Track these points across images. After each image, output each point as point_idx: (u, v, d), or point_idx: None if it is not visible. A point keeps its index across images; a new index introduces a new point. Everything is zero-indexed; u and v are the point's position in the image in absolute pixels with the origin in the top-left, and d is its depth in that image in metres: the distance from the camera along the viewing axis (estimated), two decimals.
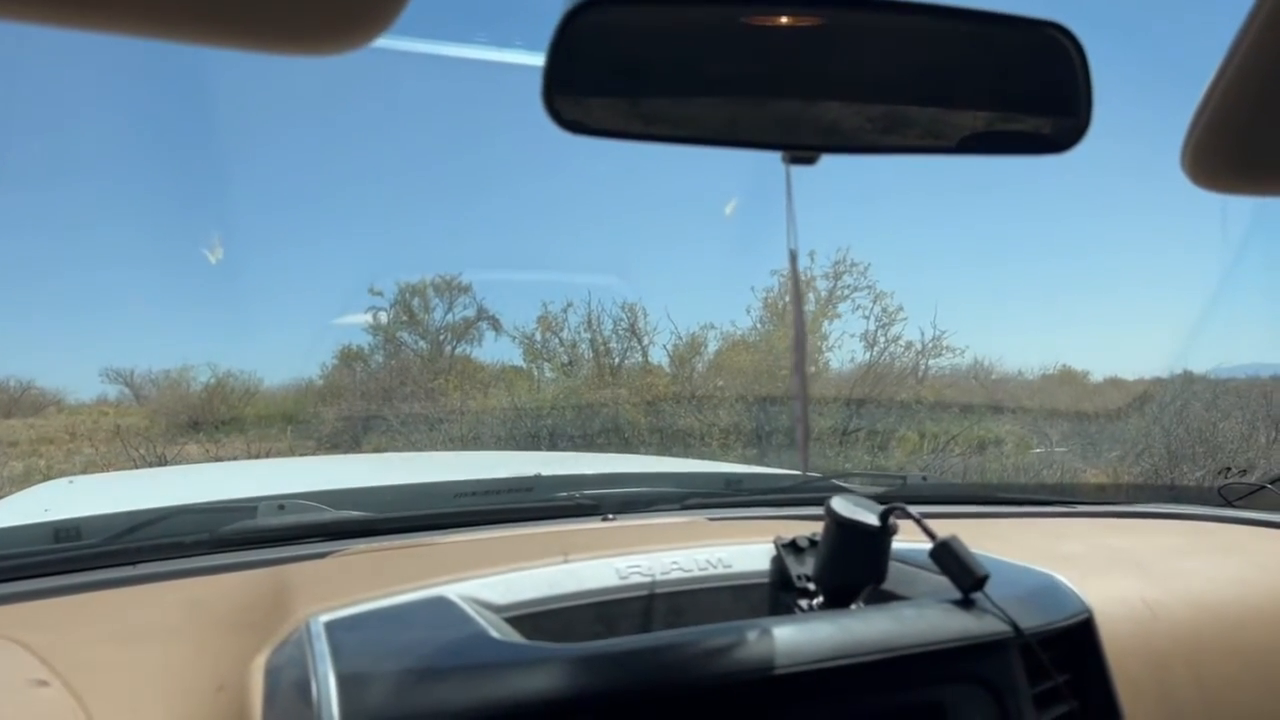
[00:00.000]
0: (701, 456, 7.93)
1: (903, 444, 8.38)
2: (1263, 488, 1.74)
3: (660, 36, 0.72)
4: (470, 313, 11.29)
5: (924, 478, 2.08)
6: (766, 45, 0.74)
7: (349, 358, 11.33)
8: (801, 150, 0.77)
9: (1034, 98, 0.78)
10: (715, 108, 0.74)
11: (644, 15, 0.71)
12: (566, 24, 0.68)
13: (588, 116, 0.71)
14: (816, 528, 1.06)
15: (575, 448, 8.43)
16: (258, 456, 8.69)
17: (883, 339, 9.30)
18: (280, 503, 1.44)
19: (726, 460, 7.71)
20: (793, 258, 0.77)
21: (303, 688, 0.81)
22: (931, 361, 9.29)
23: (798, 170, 0.80)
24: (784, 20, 0.74)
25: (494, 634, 0.86)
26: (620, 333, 9.74)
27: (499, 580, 0.96)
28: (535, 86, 0.70)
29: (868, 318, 9.36)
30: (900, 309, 9.33)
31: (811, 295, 9.03)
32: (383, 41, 0.61)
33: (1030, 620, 0.97)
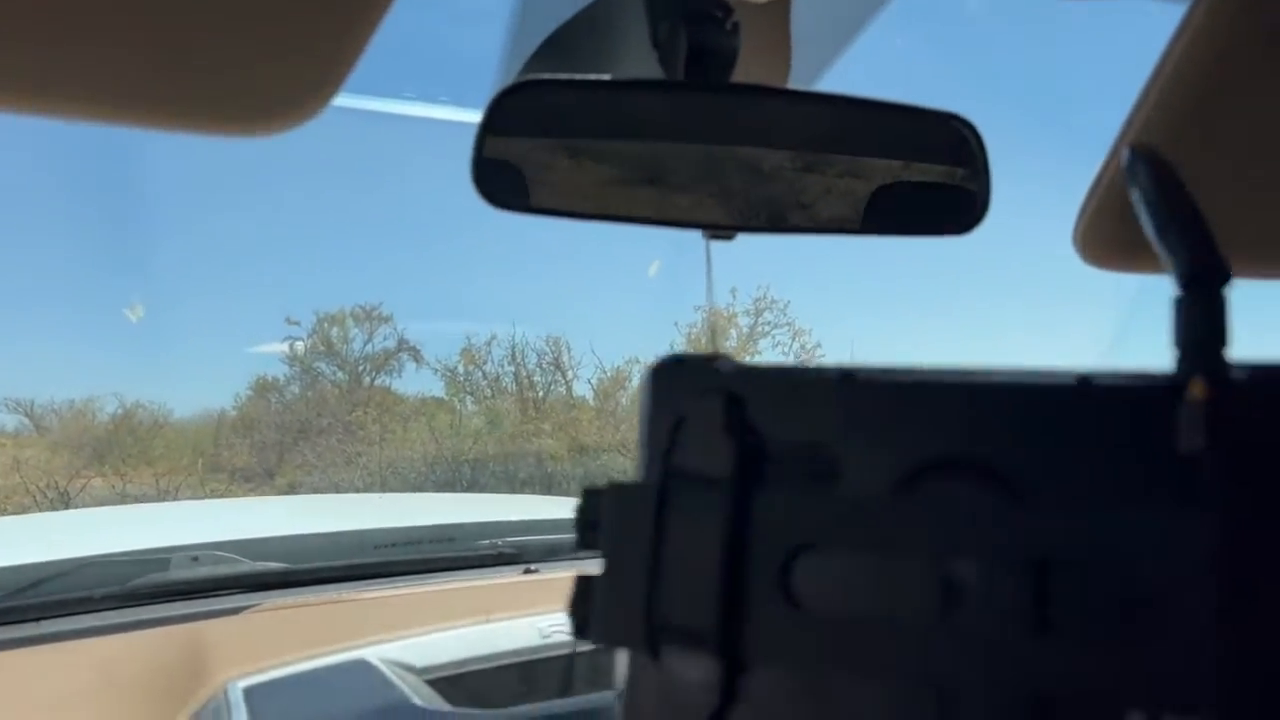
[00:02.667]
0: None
1: None
2: None
3: (584, 122, 0.75)
4: (391, 344, 11.12)
5: None
6: (686, 130, 0.78)
7: (264, 388, 11.02)
8: (720, 229, 0.81)
9: (938, 183, 0.83)
10: (637, 189, 0.77)
11: (568, 101, 0.74)
12: (494, 108, 0.71)
13: (515, 196, 0.73)
14: None
15: (497, 481, 8.35)
16: (167, 490, 8.38)
17: None
18: (194, 554, 1.41)
19: None
20: (713, 332, 0.80)
21: None
22: None
23: None
24: (703, 107, 0.78)
25: (415, 700, 0.86)
26: (545, 366, 9.72)
27: (421, 642, 0.97)
28: (461, 139, 0.72)
29: (787, 354, 9.50)
30: (818, 345, 9.50)
31: (734, 331, 9.15)
32: None
33: None
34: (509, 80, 0.76)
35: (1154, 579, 0.21)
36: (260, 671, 0.91)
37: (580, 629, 0.26)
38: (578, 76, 0.73)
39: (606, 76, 0.74)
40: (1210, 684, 0.20)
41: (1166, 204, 0.24)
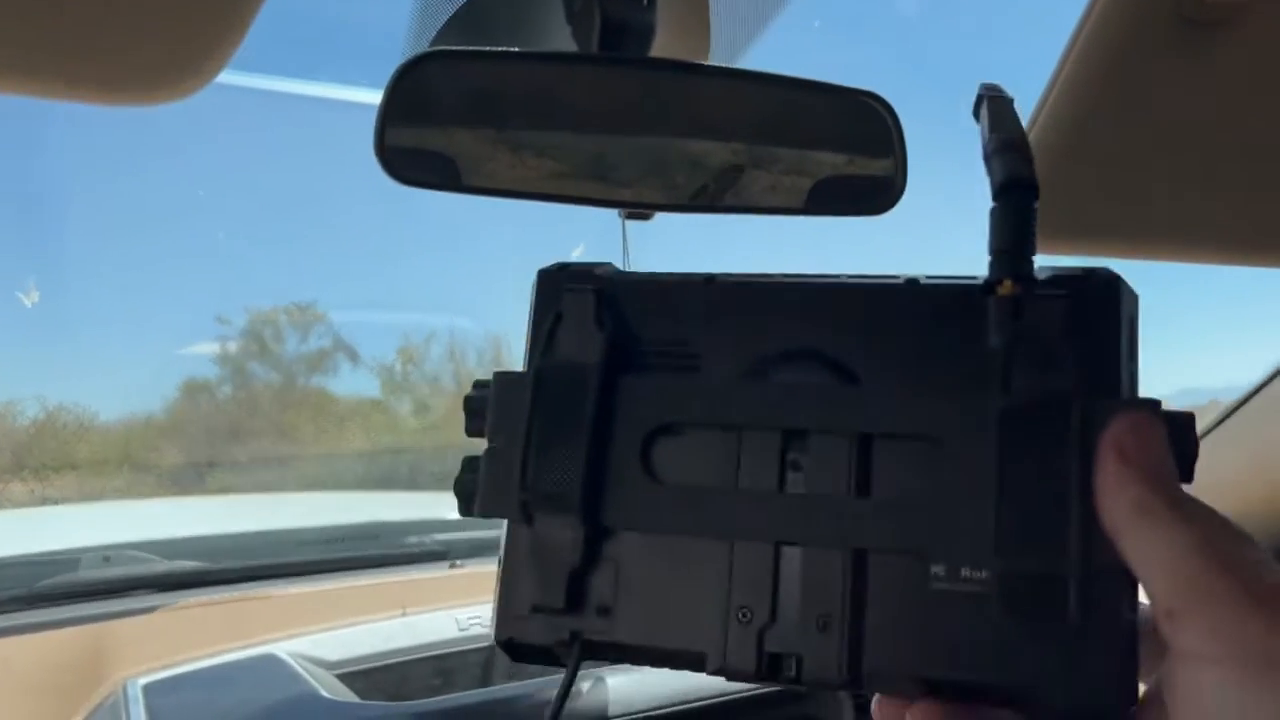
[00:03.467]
0: None
1: None
2: None
3: (494, 93, 0.73)
4: (326, 343, 10.90)
5: None
6: (601, 106, 0.76)
7: (193, 390, 10.71)
8: (636, 208, 0.79)
9: (854, 162, 0.82)
10: (549, 164, 0.75)
11: (478, 72, 0.72)
12: (399, 79, 0.68)
13: (420, 170, 0.71)
14: None
15: (436, 481, 8.26)
16: (91, 496, 8.14)
17: None
18: (106, 554, 1.36)
19: None
20: None
21: None
22: None
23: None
24: (618, 82, 0.76)
25: (323, 693, 0.83)
26: (485, 364, 9.66)
27: (332, 636, 0.94)
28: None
29: None
30: None
31: None
32: (222, 76, 0.60)
33: None
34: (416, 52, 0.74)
35: (957, 453, 0.24)
36: (164, 669, 0.87)
37: (465, 503, 0.28)
38: (486, 48, 0.71)
39: (516, 49, 0.72)
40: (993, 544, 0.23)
41: (994, 131, 0.26)
